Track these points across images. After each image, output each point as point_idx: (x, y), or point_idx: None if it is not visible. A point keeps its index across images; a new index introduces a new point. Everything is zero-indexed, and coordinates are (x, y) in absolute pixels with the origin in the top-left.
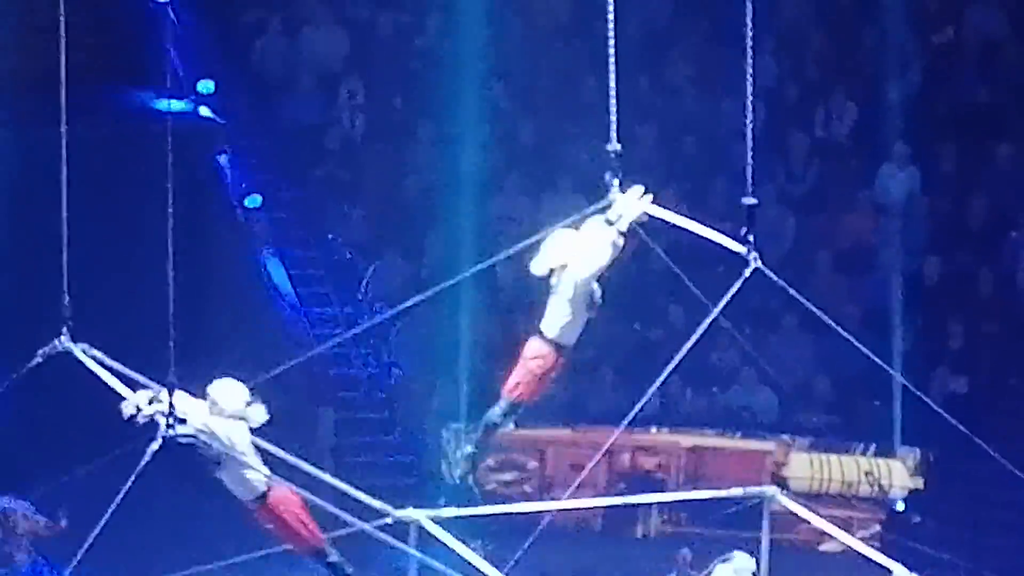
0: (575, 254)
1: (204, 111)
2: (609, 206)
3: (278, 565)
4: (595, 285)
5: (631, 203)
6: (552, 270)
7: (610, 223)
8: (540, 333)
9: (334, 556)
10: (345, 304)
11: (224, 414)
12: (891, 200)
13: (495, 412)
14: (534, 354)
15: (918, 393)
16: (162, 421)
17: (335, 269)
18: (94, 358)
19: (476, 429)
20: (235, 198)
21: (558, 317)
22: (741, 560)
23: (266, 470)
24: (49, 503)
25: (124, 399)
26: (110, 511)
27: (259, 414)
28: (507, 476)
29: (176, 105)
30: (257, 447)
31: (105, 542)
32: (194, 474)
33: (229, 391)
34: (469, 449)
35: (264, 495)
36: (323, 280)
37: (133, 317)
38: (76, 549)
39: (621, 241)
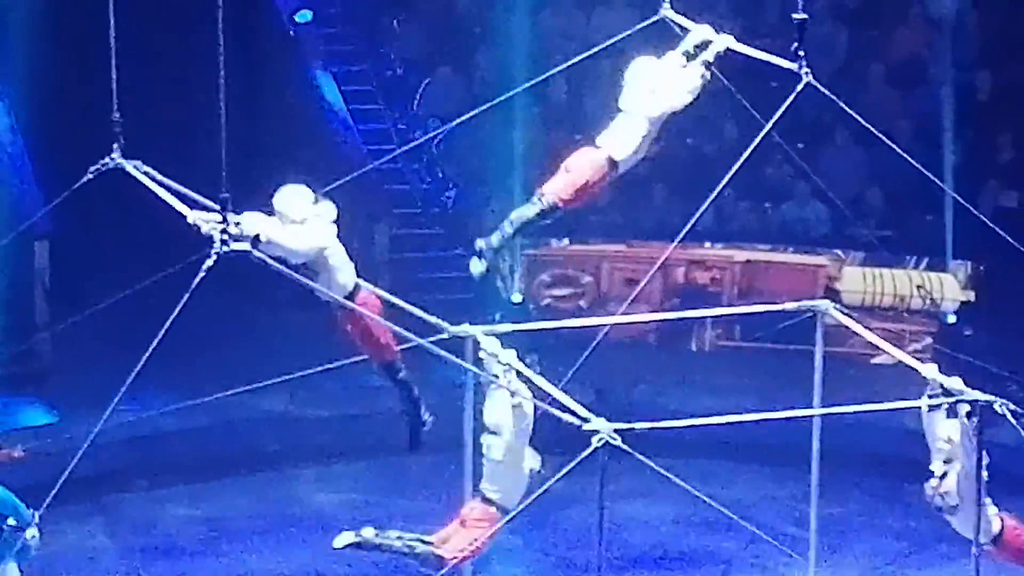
0: (663, 85)
1: None
2: (660, 21)
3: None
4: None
5: (714, 36)
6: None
7: (689, 56)
8: (596, 146)
9: (403, 373)
10: (398, 120)
11: (296, 220)
12: (942, 13)
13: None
14: (590, 164)
15: (969, 207)
16: (216, 237)
17: (387, 84)
18: (147, 174)
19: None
20: (286, 13)
21: (624, 138)
22: None
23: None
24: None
25: (178, 214)
26: (165, 328)
27: (329, 209)
28: (562, 291)
29: None
30: None
31: (159, 360)
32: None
33: (291, 197)
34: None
35: (352, 294)
36: (375, 96)
37: (184, 135)
38: (131, 368)
39: (708, 75)
